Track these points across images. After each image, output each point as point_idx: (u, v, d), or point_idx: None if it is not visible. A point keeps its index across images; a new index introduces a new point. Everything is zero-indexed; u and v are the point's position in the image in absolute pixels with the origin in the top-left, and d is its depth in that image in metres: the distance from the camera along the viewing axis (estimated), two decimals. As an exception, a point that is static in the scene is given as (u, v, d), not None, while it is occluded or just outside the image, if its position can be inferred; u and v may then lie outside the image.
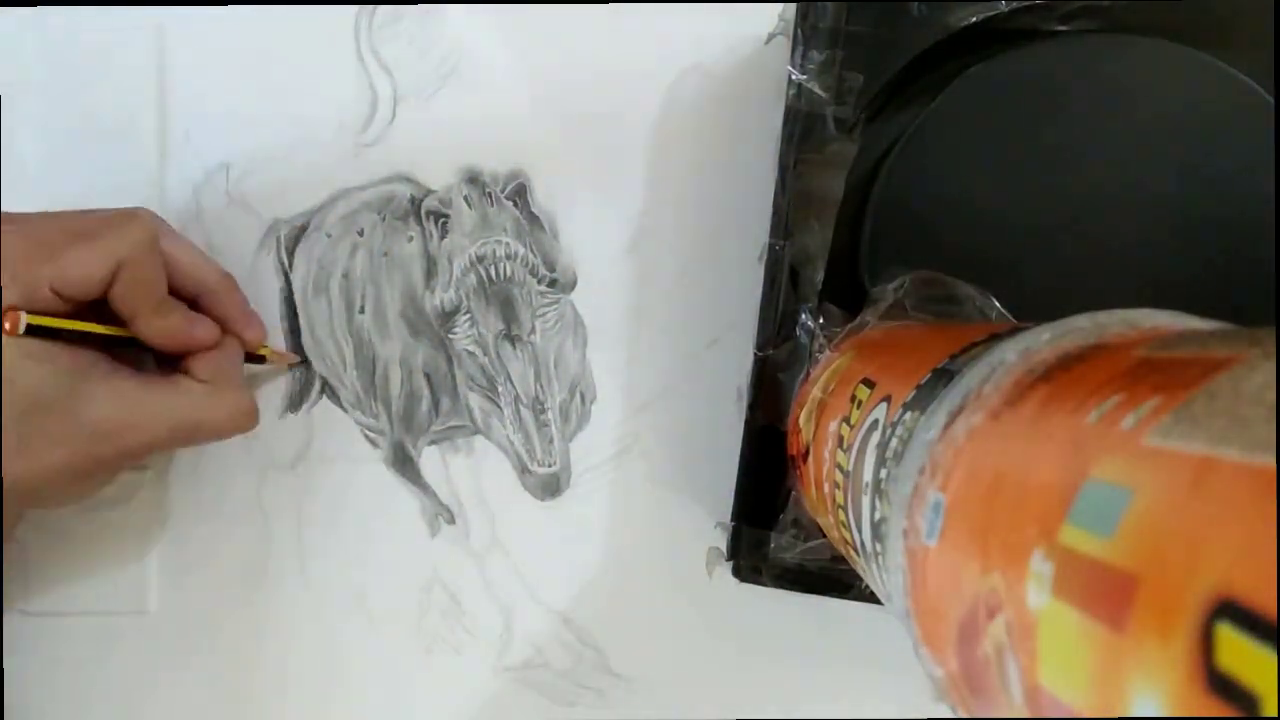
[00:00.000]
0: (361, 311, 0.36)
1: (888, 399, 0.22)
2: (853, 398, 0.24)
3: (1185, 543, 0.10)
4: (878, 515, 0.20)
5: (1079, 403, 0.14)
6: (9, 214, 0.29)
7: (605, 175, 0.36)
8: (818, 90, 0.30)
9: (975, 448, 0.17)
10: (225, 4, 0.35)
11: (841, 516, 0.24)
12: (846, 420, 0.24)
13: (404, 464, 0.37)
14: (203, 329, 0.32)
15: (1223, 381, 0.12)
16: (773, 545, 0.31)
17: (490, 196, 0.36)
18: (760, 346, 0.31)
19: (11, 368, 0.27)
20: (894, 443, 0.20)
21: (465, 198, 0.36)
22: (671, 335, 0.36)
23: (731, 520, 0.32)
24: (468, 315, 0.36)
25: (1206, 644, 0.10)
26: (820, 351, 0.30)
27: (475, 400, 0.36)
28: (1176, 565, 0.10)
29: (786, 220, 0.30)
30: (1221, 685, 0.09)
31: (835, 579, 0.32)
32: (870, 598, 0.31)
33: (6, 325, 0.27)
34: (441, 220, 0.36)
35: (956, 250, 0.30)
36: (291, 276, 0.36)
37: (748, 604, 0.36)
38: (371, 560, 0.37)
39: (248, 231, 0.36)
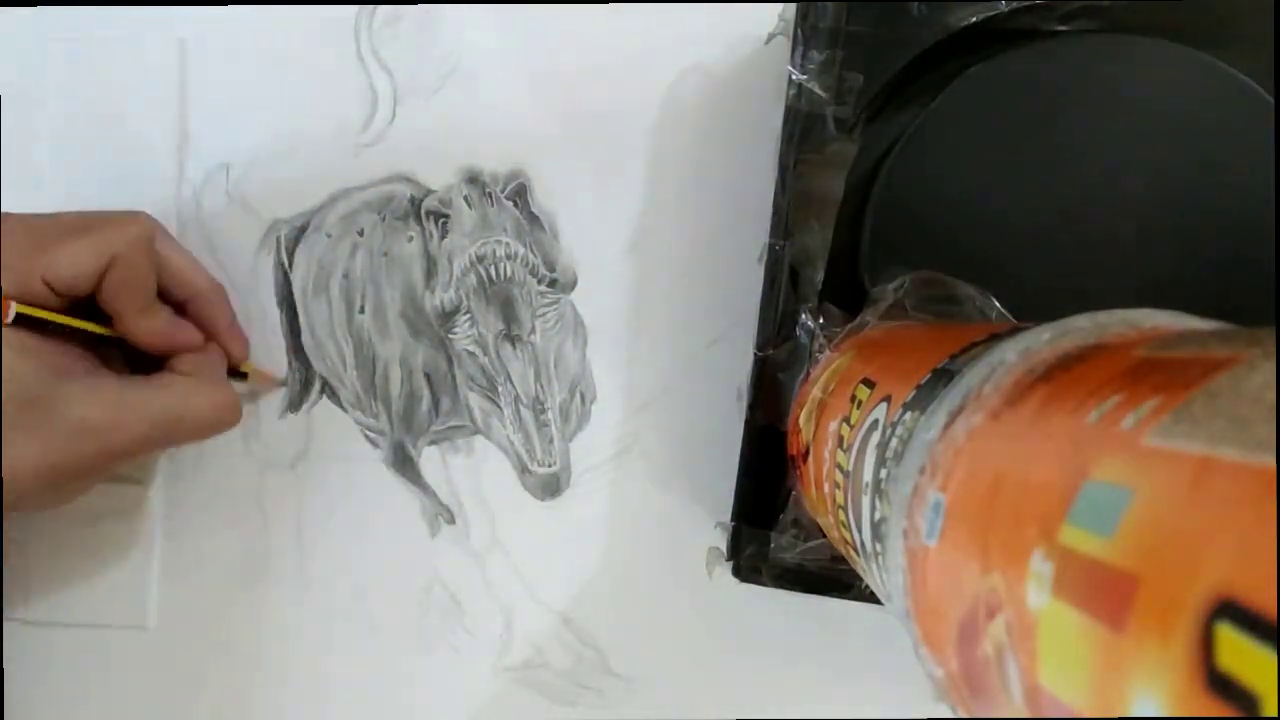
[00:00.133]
0: (361, 311, 0.36)
1: (888, 399, 0.22)
2: (853, 398, 0.24)
3: (1185, 543, 0.10)
4: (878, 515, 0.20)
5: (1079, 403, 0.14)
6: (8, 213, 0.29)
7: (605, 175, 0.36)
8: (818, 90, 0.30)
9: (975, 448, 0.17)
10: (225, 4, 0.35)
11: (841, 516, 0.24)
12: (846, 420, 0.24)
13: (404, 464, 0.37)
14: (186, 333, 0.32)
15: (1223, 381, 0.12)
16: (773, 545, 0.31)
17: (490, 196, 0.36)
18: (760, 346, 0.31)
19: None
20: (894, 443, 0.20)
21: (465, 198, 0.36)
22: (671, 335, 0.36)
23: (731, 520, 0.32)
24: (468, 315, 0.36)
25: (1206, 644, 0.10)
26: (820, 351, 0.30)
27: (475, 400, 0.36)
28: (1176, 565, 0.10)
29: (786, 220, 0.30)
30: (1221, 685, 0.09)
31: (835, 579, 0.32)
32: (870, 598, 0.31)
33: None
34: (441, 220, 0.36)
35: (956, 250, 0.30)
36: (291, 276, 0.36)
37: (748, 604, 0.36)
38: (371, 560, 0.37)
39: (248, 231, 0.36)
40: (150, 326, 0.31)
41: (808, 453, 0.28)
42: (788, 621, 0.36)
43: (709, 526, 0.36)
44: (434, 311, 0.36)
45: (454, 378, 0.37)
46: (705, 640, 0.37)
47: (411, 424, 0.37)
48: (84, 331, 0.30)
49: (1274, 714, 0.09)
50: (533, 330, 0.36)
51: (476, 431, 0.37)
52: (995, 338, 0.20)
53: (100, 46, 0.36)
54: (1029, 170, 0.30)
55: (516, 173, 0.36)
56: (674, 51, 0.35)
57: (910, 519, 0.18)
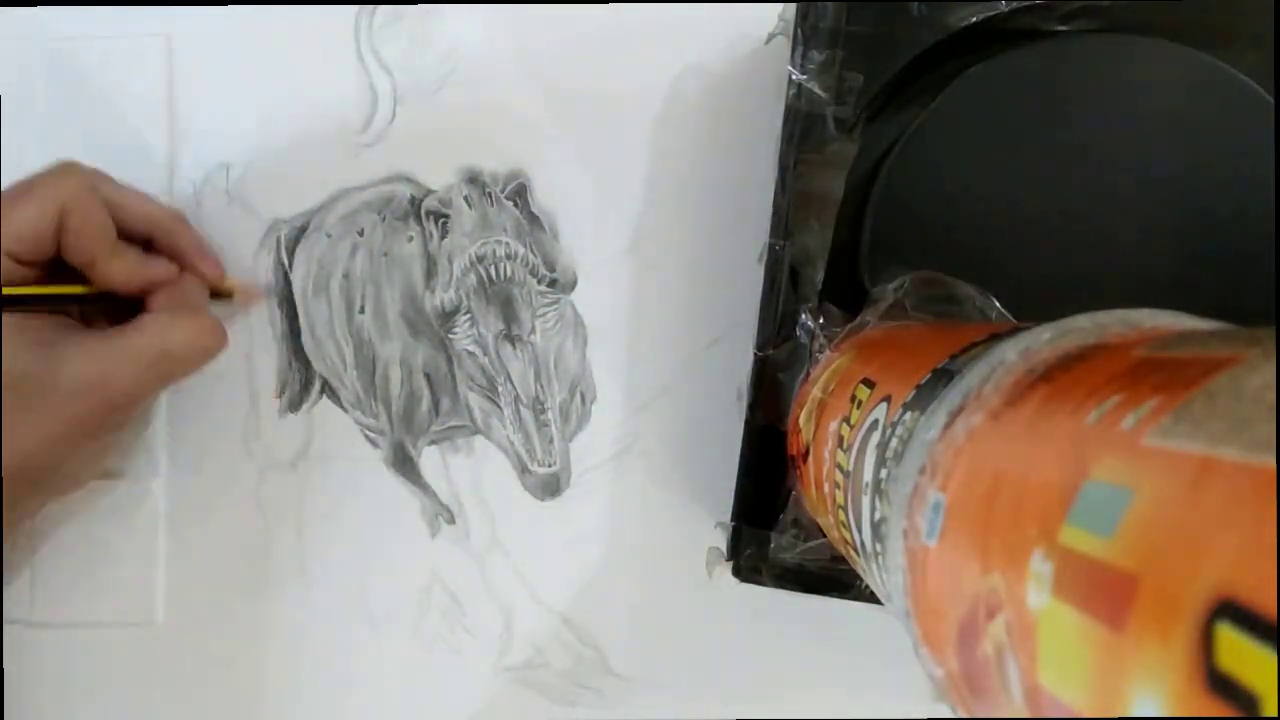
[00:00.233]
0: (361, 311, 0.36)
1: (888, 399, 0.22)
2: (853, 398, 0.24)
3: (1185, 543, 0.10)
4: (878, 515, 0.20)
5: (1079, 403, 0.14)
6: None
7: (605, 175, 0.36)
8: (818, 90, 0.30)
9: (975, 448, 0.17)
10: (225, 4, 0.35)
11: (841, 516, 0.24)
12: (846, 420, 0.24)
13: (404, 464, 0.37)
14: (159, 265, 0.32)
15: (1223, 381, 0.12)
16: (773, 545, 0.31)
17: (490, 196, 0.36)
18: (760, 346, 0.31)
19: None
20: (894, 443, 0.20)
21: (465, 198, 0.36)
22: (671, 335, 0.36)
23: (731, 520, 0.32)
24: (468, 315, 0.36)
25: (1206, 644, 0.10)
26: (820, 351, 0.30)
27: (475, 400, 0.36)
28: (1176, 565, 0.10)
29: (786, 220, 0.30)
30: (1221, 685, 0.09)
31: (835, 579, 0.31)
32: (870, 598, 0.31)
33: None
34: (441, 220, 0.36)
35: (956, 250, 0.30)
36: (291, 276, 0.36)
37: (748, 604, 0.36)
38: (371, 560, 0.37)
39: (248, 231, 0.36)
40: (121, 267, 0.31)
41: (808, 453, 0.28)
42: (788, 621, 0.36)
43: (709, 526, 0.36)
44: (434, 311, 0.36)
45: (454, 378, 0.37)
46: (705, 640, 0.37)
47: (411, 424, 0.37)
48: (64, 299, 0.30)
49: (1274, 714, 0.09)
50: (533, 330, 0.36)
51: (476, 431, 0.37)
52: (995, 338, 0.20)
53: (91, 46, 0.36)
54: (1029, 170, 0.30)
55: (516, 173, 0.36)
56: (674, 51, 0.35)
57: (910, 519, 0.18)
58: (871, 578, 0.22)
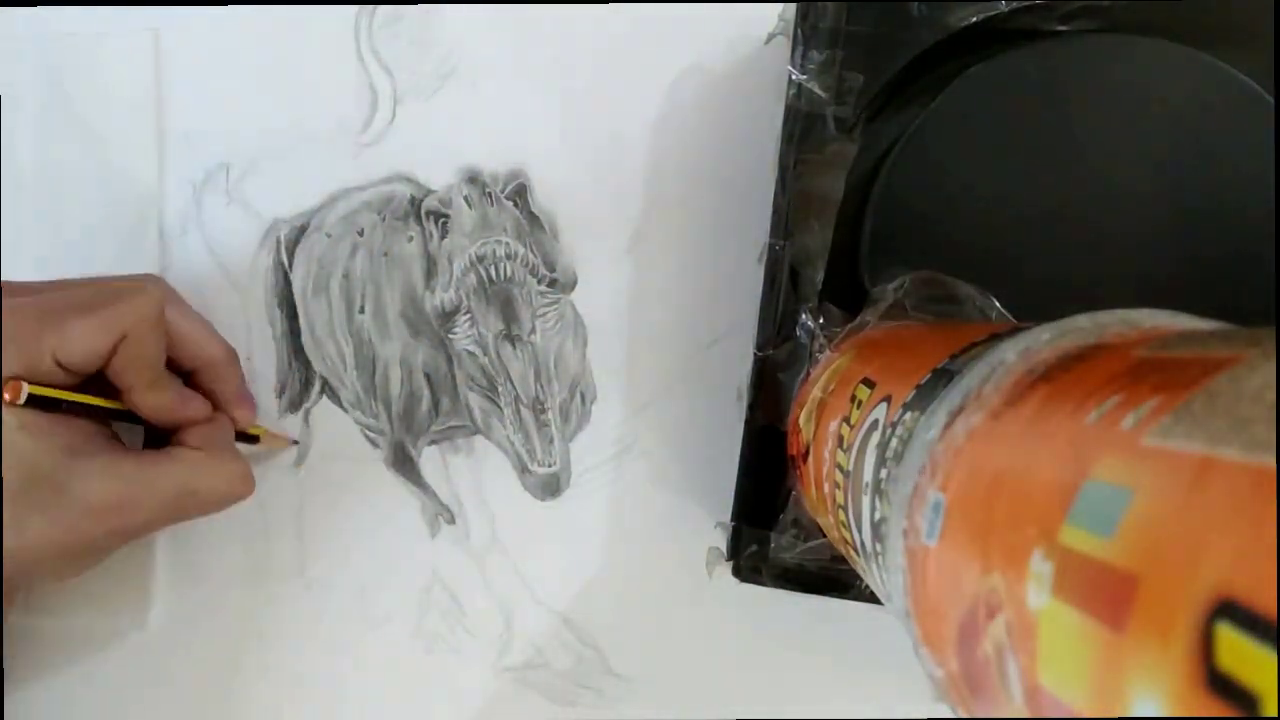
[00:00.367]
0: (361, 311, 0.36)
1: (888, 399, 0.22)
2: (853, 398, 0.24)
3: (1185, 543, 0.10)
4: (878, 515, 0.20)
5: (1079, 403, 0.14)
6: (15, 283, 0.29)
7: (605, 175, 0.36)
8: (818, 90, 0.30)
9: (975, 448, 0.17)
10: (225, 4, 0.35)
11: (841, 516, 0.24)
12: (846, 420, 0.24)
13: (404, 464, 0.37)
14: (195, 406, 0.32)
15: (1223, 381, 0.12)
16: (773, 545, 0.31)
17: (490, 196, 0.36)
18: (760, 346, 0.31)
19: (9, 440, 0.27)
20: (894, 443, 0.20)
21: (465, 198, 0.36)
22: (671, 335, 0.36)
23: (731, 520, 0.32)
24: (468, 315, 0.36)
25: (1206, 644, 0.10)
26: (820, 351, 0.30)
27: (475, 400, 0.36)
28: (1176, 565, 0.10)
29: (786, 220, 0.30)
30: (1221, 685, 0.09)
31: (835, 579, 0.32)
32: (870, 598, 0.31)
33: (7, 395, 0.26)
34: (441, 220, 0.36)
35: (956, 250, 0.30)
36: (291, 276, 0.36)
37: (748, 604, 0.36)
38: (371, 560, 0.37)
39: (248, 231, 0.36)
40: (158, 402, 0.30)
41: (808, 453, 0.28)
42: (788, 621, 0.36)
43: (709, 526, 0.36)
44: (434, 311, 0.36)
45: (454, 378, 0.37)
46: (705, 640, 0.37)
47: (411, 424, 0.37)
48: (97, 410, 0.30)
49: (1274, 714, 0.09)
50: (533, 330, 0.36)
51: (476, 431, 0.37)
52: (995, 338, 0.20)
53: (79, 44, 0.36)
54: (1029, 170, 0.30)
55: (516, 173, 0.36)
56: (674, 51, 0.35)
57: (910, 519, 0.18)
58: (871, 578, 0.22)
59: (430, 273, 0.36)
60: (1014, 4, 0.29)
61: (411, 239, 0.36)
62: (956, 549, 0.16)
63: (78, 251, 0.36)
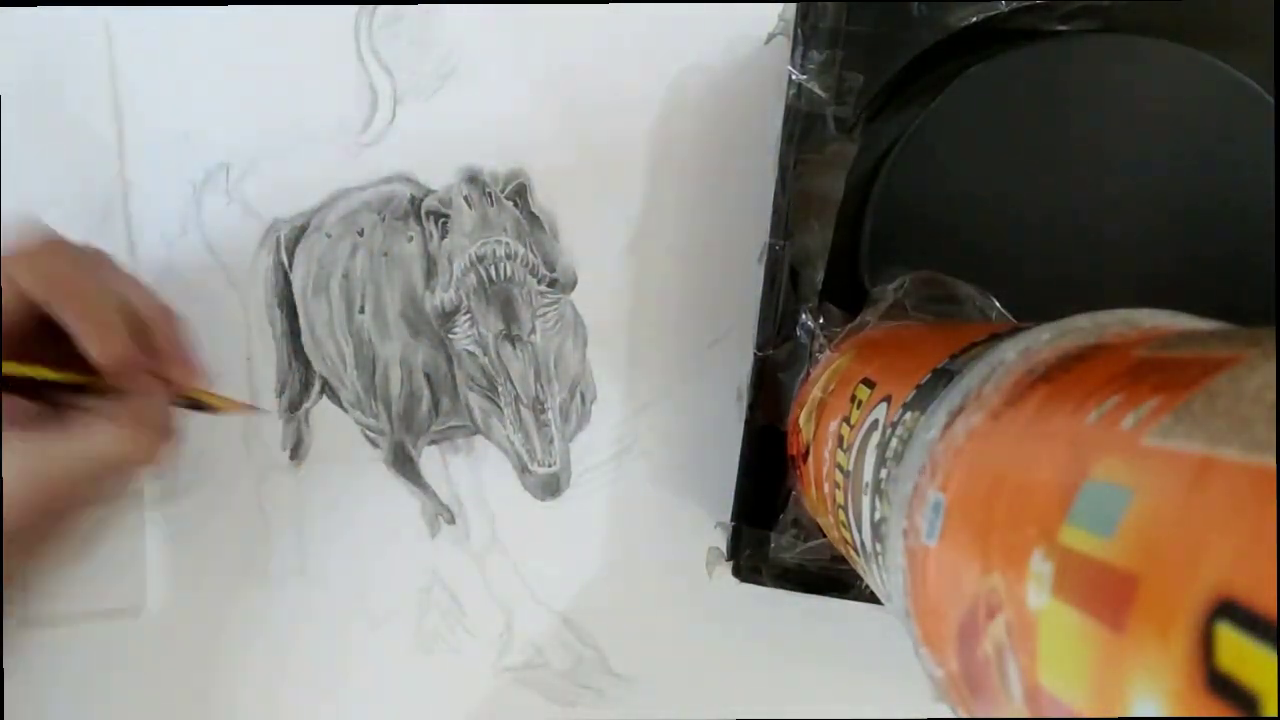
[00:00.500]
0: (361, 311, 0.36)
1: (888, 399, 0.22)
2: (853, 398, 0.24)
3: (1185, 543, 0.10)
4: (878, 515, 0.20)
5: (1079, 403, 0.14)
6: None
7: (605, 175, 0.36)
8: (818, 90, 0.30)
9: (975, 448, 0.17)
10: (226, 4, 0.35)
11: (841, 516, 0.24)
12: (846, 420, 0.24)
13: (404, 464, 0.37)
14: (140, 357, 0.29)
15: (1223, 381, 0.12)
16: (773, 545, 0.31)
17: (490, 196, 0.36)
18: (760, 346, 0.31)
19: None
20: (894, 443, 0.20)
21: (465, 198, 0.36)
22: (671, 335, 0.36)
23: (731, 520, 0.32)
24: (468, 315, 0.36)
25: (1206, 644, 0.10)
26: (820, 351, 0.30)
27: (475, 400, 0.36)
28: (1176, 565, 0.10)
29: (786, 220, 0.30)
30: (1221, 685, 0.09)
31: (835, 579, 0.32)
32: (870, 598, 0.31)
33: None
34: (441, 220, 0.36)
35: (957, 250, 0.30)
36: (291, 276, 0.36)
37: (748, 604, 0.36)
38: (371, 560, 0.37)
39: (248, 231, 0.36)
40: (109, 339, 0.28)
41: (808, 453, 0.28)
42: (788, 621, 0.36)
43: (709, 526, 0.36)
44: (434, 311, 0.36)
45: (454, 378, 0.37)
46: (705, 640, 0.37)
47: (411, 424, 0.37)
48: (35, 382, 0.28)
49: (1274, 714, 0.09)
50: (533, 330, 0.36)
51: (476, 431, 0.37)
52: (995, 338, 0.20)
53: (49, 42, 0.35)
54: (1029, 170, 0.30)
55: (516, 173, 0.36)
56: (674, 51, 0.35)
57: (910, 519, 0.18)
58: (871, 578, 0.22)
59: (430, 273, 0.36)
60: (1014, 4, 0.29)
61: (411, 239, 0.36)
62: (956, 549, 0.16)
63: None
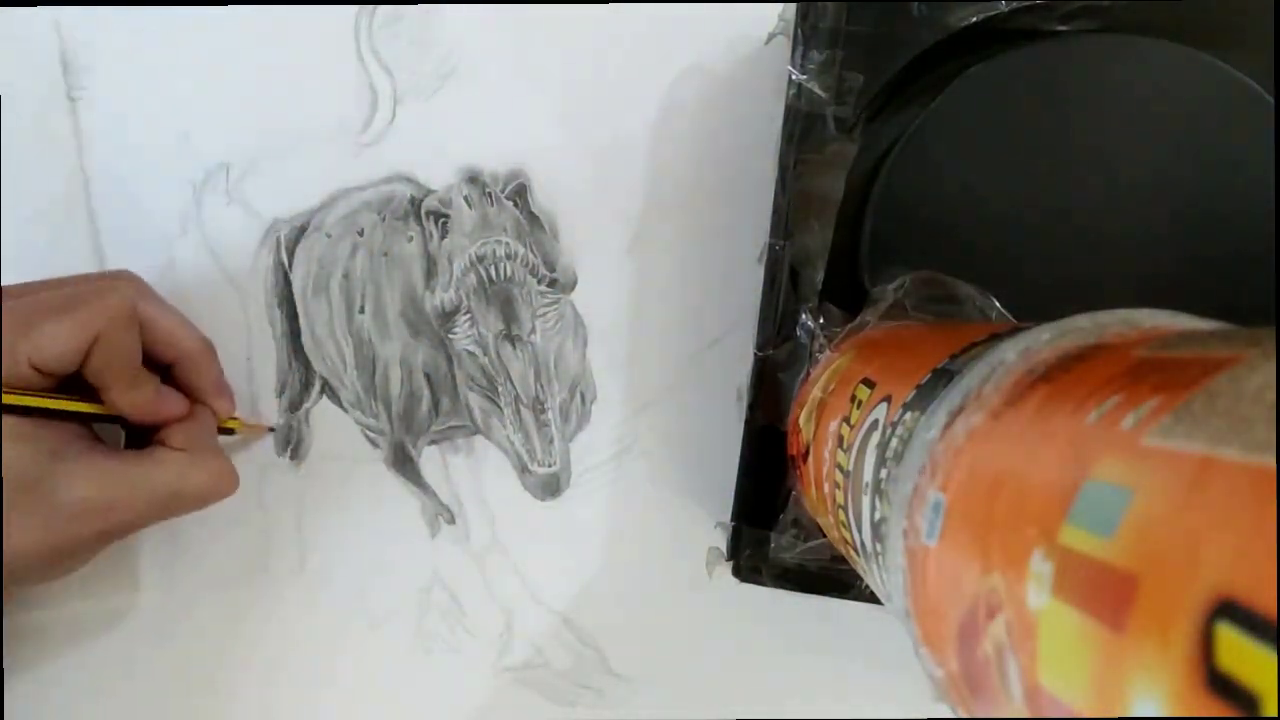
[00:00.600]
0: (361, 311, 0.36)
1: (888, 399, 0.22)
2: (853, 398, 0.24)
3: (1185, 543, 0.10)
4: (878, 515, 0.20)
5: (1079, 403, 0.14)
6: None
7: (605, 175, 0.36)
8: (818, 90, 0.30)
9: (975, 448, 0.17)
10: (226, 3, 0.35)
11: (841, 516, 0.24)
12: (846, 420, 0.24)
13: (404, 464, 0.37)
14: (172, 403, 0.32)
15: (1223, 381, 0.12)
16: (773, 545, 0.31)
17: (490, 196, 0.36)
18: (760, 346, 0.31)
19: None
20: (894, 443, 0.20)
21: (465, 198, 0.36)
22: (671, 335, 0.36)
23: (731, 520, 0.32)
24: (468, 315, 0.36)
25: (1206, 644, 0.10)
26: (820, 351, 0.30)
27: (475, 400, 0.36)
28: (1176, 565, 0.10)
29: (786, 220, 0.30)
30: (1221, 685, 0.09)
31: (835, 579, 0.32)
32: (870, 598, 0.31)
33: None
34: (441, 220, 0.36)
35: (957, 250, 0.30)
36: (291, 276, 0.36)
37: (748, 604, 0.36)
38: (371, 560, 0.37)
39: (248, 231, 0.36)
40: (136, 400, 0.30)
41: (808, 453, 0.28)
42: (788, 621, 0.36)
43: (709, 526, 0.36)
44: (434, 311, 0.36)
45: (454, 378, 0.37)
46: (705, 640, 0.37)
47: (411, 424, 0.37)
48: (76, 415, 0.30)
49: (1274, 714, 0.09)
50: (533, 330, 0.36)
51: (476, 431, 0.37)
52: (995, 338, 0.20)
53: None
54: (1029, 170, 0.30)
55: (516, 173, 0.36)
56: (674, 51, 0.35)
57: (910, 519, 0.18)
58: (871, 578, 0.22)
59: (430, 273, 0.36)
60: (1014, 4, 0.29)
61: (411, 239, 0.36)
62: (956, 549, 0.16)
63: (11, 239, 0.36)
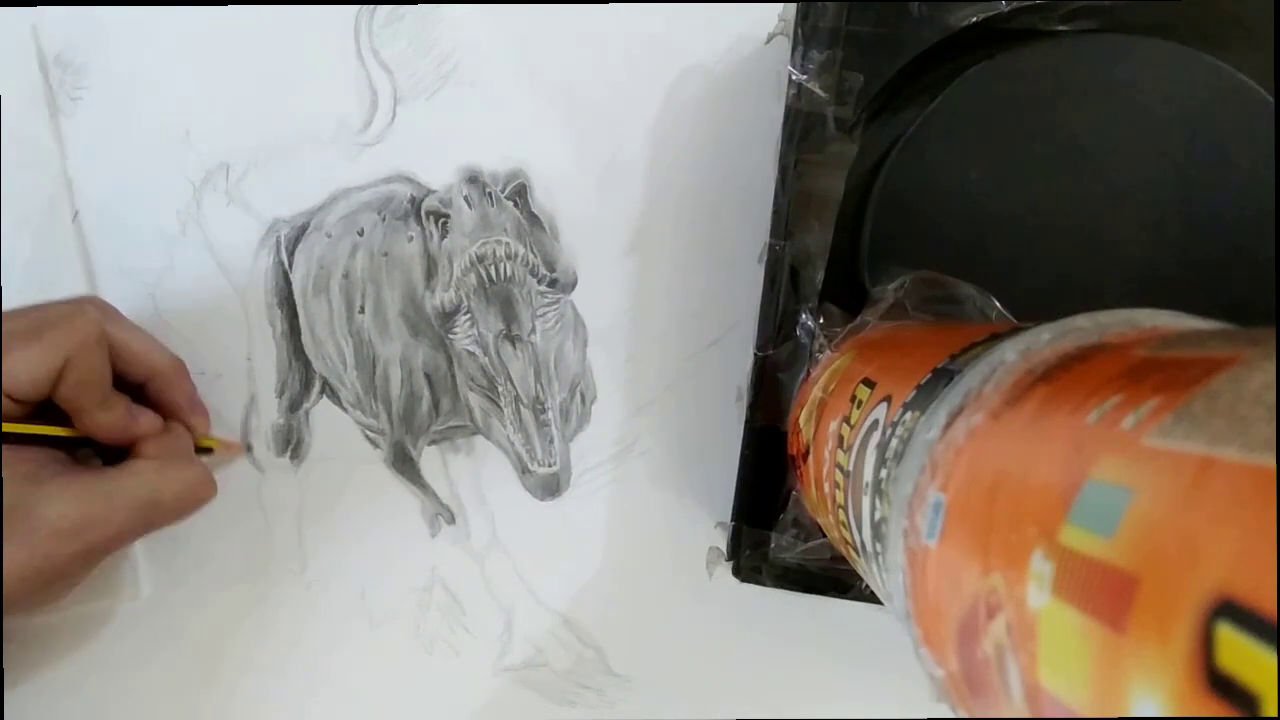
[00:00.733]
0: (361, 311, 0.36)
1: (888, 399, 0.22)
2: (853, 398, 0.24)
3: (1185, 543, 0.10)
4: (878, 515, 0.20)
5: (1079, 403, 0.14)
6: None
7: (605, 175, 0.36)
8: (818, 90, 0.30)
9: (975, 448, 0.17)
10: (226, 4, 0.35)
11: (842, 516, 0.24)
12: (847, 420, 0.24)
13: (404, 464, 0.37)
14: (146, 421, 0.32)
15: (1223, 381, 0.12)
16: (773, 545, 0.31)
17: (490, 196, 0.36)
18: (760, 346, 0.31)
19: None
20: (894, 443, 0.20)
21: (465, 198, 0.36)
22: (671, 335, 0.36)
23: (731, 520, 0.32)
24: (468, 315, 0.36)
25: (1206, 644, 0.10)
26: (820, 351, 0.30)
27: (475, 400, 0.36)
28: (1176, 565, 0.10)
29: (786, 220, 0.30)
30: (1221, 685, 0.09)
31: (835, 579, 0.32)
32: (870, 598, 0.31)
33: None
34: (441, 220, 0.36)
35: (957, 250, 0.30)
36: (291, 276, 0.36)
37: (748, 604, 0.36)
38: (371, 560, 0.37)
39: (248, 231, 0.36)
40: (108, 420, 0.30)
41: (808, 453, 0.28)
42: (788, 622, 0.36)
43: (709, 526, 0.36)
44: (434, 311, 0.36)
45: (454, 378, 0.37)
46: (705, 640, 0.37)
47: (411, 424, 0.37)
48: (50, 440, 0.30)
49: (1274, 714, 0.09)
50: (533, 330, 0.36)
51: (476, 431, 0.37)
52: (995, 338, 0.20)
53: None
54: (1029, 170, 0.30)
55: (516, 173, 0.36)
56: (674, 51, 0.35)
57: (910, 519, 0.18)
58: (871, 578, 0.22)
59: (430, 273, 0.36)
60: (1014, 4, 0.29)
61: (411, 239, 0.36)
62: (957, 549, 0.16)
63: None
